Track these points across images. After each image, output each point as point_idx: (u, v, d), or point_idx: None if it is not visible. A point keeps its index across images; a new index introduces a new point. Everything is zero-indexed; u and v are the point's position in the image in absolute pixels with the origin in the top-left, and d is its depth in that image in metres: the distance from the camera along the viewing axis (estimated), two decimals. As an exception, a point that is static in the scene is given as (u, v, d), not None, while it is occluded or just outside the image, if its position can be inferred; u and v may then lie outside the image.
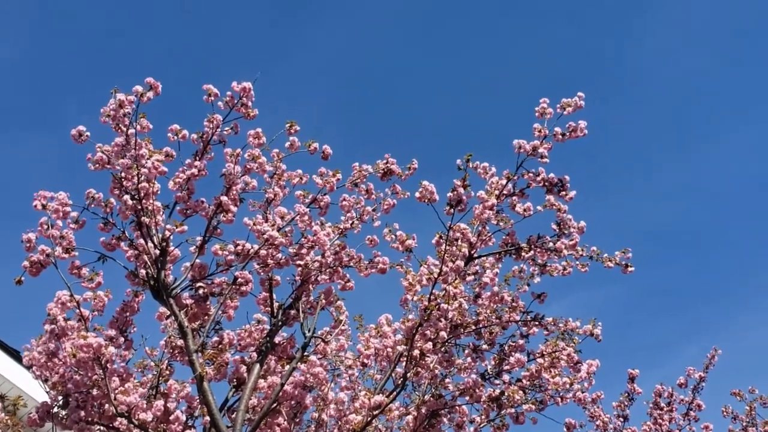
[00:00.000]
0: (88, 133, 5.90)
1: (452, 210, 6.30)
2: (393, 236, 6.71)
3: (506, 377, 6.76)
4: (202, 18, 28.26)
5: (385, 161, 6.65)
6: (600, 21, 32.24)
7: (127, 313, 6.01)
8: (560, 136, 6.40)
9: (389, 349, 6.81)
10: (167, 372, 6.17)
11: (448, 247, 6.28)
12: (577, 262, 6.84)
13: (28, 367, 6.01)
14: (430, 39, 32.44)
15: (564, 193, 6.55)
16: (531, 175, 6.51)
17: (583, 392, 6.91)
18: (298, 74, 30.67)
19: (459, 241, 6.35)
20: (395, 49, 32.59)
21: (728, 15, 30.68)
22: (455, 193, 6.27)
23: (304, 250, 6.41)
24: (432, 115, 33.01)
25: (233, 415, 5.88)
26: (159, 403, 5.61)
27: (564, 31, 32.54)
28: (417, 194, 6.37)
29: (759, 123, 30.95)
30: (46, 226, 5.78)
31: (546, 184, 6.54)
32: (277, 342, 6.40)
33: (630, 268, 6.79)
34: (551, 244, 6.65)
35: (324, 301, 6.66)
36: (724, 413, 11.51)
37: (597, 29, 32.44)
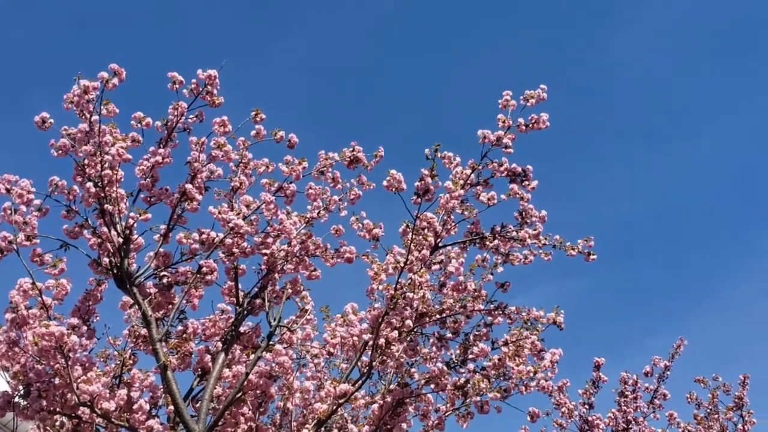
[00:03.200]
0: (52, 120, 5.84)
1: (419, 199, 6.31)
2: (360, 225, 6.71)
3: (471, 366, 6.80)
4: (172, 9, 28.02)
5: (351, 149, 6.63)
6: (568, 23, 32.56)
7: (90, 302, 5.97)
8: (523, 127, 6.41)
9: (355, 338, 6.82)
10: (130, 361, 6.12)
11: (414, 237, 6.29)
12: (540, 251, 6.87)
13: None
14: (400, 37, 32.61)
15: (527, 182, 6.58)
16: (495, 165, 6.53)
17: (547, 381, 6.97)
18: (266, 68, 30.58)
19: (425, 230, 6.36)
20: (366, 45, 32.67)
21: (694, 20, 31.14)
22: (423, 182, 6.27)
23: (269, 239, 6.39)
24: (399, 109, 33.18)
25: (198, 405, 5.86)
26: (122, 392, 5.57)
27: (532, 32, 32.83)
28: (384, 183, 6.36)
29: (722, 124, 31.51)
30: (9, 212, 5.72)
31: (509, 174, 6.56)
32: (242, 331, 6.38)
33: (592, 256, 6.82)
34: (514, 233, 6.67)
35: (290, 290, 6.64)
36: (689, 400, 11.69)
37: (565, 31, 32.76)
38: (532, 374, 6.87)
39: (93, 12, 26.26)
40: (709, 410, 11.35)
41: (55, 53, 26.55)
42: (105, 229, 5.92)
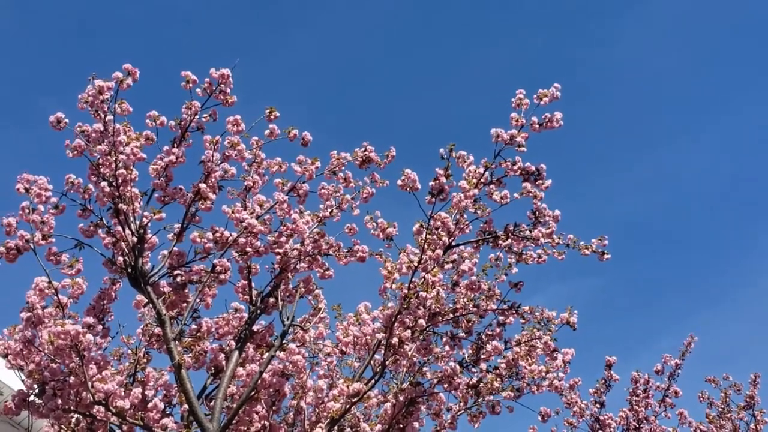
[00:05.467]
0: (67, 120, 5.87)
1: (434, 199, 6.29)
2: (374, 224, 6.70)
3: (483, 365, 6.79)
4: (179, 10, 28.07)
5: (363, 149, 6.63)
6: (572, 23, 32.55)
7: (105, 301, 5.99)
8: (537, 126, 6.40)
9: (368, 337, 6.83)
10: (144, 360, 6.14)
11: (428, 236, 6.28)
12: (554, 250, 6.84)
13: (4, 356, 5.96)
14: (410, 40, 32.60)
15: (540, 181, 6.56)
16: (508, 163, 6.51)
17: (559, 380, 6.95)
18: (279, 67, 30.64)
19: (439, 230, 6.35)
20: (376, 45, 32.70)
21: (698, 19, 31.09)
22: (437, 182, 6.26)
23: (282, 238, 6.40)
24: (408, 108, 33.24)
25: (211, 403, 5.88)
26: (137, 390, 5.60)
27: (538, 32, 32.81)
28: (399, 182, 6.34)
29: (730, 121, 31.41)
30: (27, 211, 5.76)
31: (523, 172, 6.54)
32: (255, 330, 6.39)
33: (606, 256, 6.79)
34: (528, 232, 6.65)
35: (303, 289, 6.66)
36: (701, 398, 11.67)
37: (569, 31, 32.75)
38: (544, 374, 6.87)
39: (101, 14, 26.30)
40: (721, 409, 11.33)
41: (64, 57, 26.60)
42: (119, 228, 5.95)
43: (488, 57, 34.49)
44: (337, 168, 6.71)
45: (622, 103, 34.21)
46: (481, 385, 6.64)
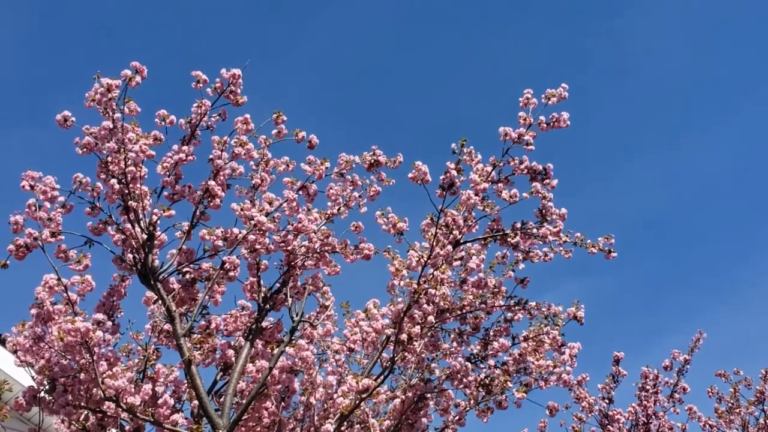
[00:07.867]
0: (74, 119, 5.90)
1: (444, 193, 6.31)
2: (385, 219, 6.71)
3: (491, 362, 6.81)
4: (193, 10, 28.12)
5: (372, 153, 6.65)
6: (580, 22, 32.41)
7: (114, 298, 6.03)
8: (544, 125, 6.42)
9: (374, 335, 6.84)
10: (154, 356, 6.17)
11: (438, 230, 6.29)
12: (561, 249, 6.85)
13: (14, 353, 5.99)
14: (418, 36, 32.52)
15: (547, 181, 6.56)
16: (516, 162, 6.53)
17: (567, 375, 6.96)
18: (288, 68, 30.66)
19: (449, 225, 6.35)
20: (385, 44, 32.64)
21: (702, 18, 30.90)
22: (448, 175, 6.27)
23: (290, 236, 6.42)
24: (416, 106, 33.22)
25: (221, 399, 5.90)
26: (147, 387, 5.62)
27: (548, 29, 32.68)
28: (410, 175, 6.37)
29: (739, 119, 31.23)
30: (33, 208, 5.78)
31: (530, 172, 6.55)
32: (264, 326, 6.42)
33: (612, 254, 6.78)
34: (535, 230, 6.66)
35: (311, 286, 6.68)
36: (710, 393, 11.62)
37: (576, 30, 32.60)
38: (551, 369, 6.87)
39: (114, 13, 26.31)
40: (730, 404, 11.29)
41: (79, 56, 26.64)
42: (129, 226, 5.98)
43: (497, 53, 34.35)
44: (345, 170, 6.74)
45: (630, 100, 34.02)
46: (493, 382, 6.66)
